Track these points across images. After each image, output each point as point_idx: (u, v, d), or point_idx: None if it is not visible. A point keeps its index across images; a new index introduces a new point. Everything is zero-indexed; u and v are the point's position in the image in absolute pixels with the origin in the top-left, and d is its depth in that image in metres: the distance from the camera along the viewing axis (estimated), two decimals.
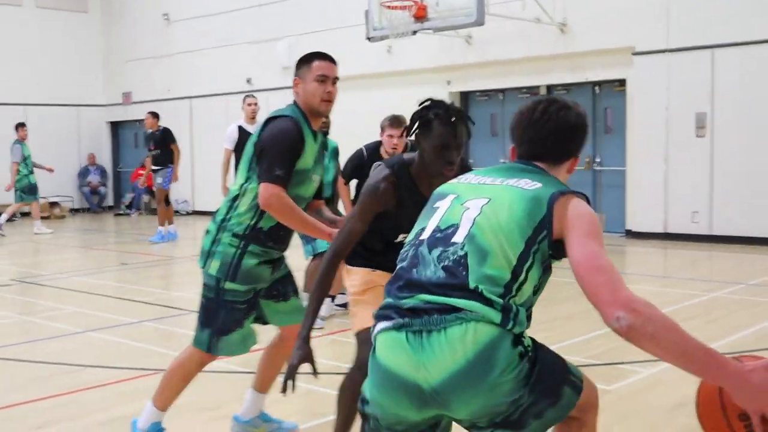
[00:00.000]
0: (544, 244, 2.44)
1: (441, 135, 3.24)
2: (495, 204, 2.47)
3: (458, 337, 2.30)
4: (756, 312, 7.42)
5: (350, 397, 3.49)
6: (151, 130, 13.95)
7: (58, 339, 7.01)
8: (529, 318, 2.46)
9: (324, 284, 3.21)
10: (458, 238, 2.45)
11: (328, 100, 3.91)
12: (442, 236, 2.49)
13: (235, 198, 3.92)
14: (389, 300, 2.48)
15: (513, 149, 2.72)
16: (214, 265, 3.87)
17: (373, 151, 6.93)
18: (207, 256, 3.93)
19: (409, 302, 2.41)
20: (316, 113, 3.93)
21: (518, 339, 2.38)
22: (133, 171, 20.72)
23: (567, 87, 13.81)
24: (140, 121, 20.69)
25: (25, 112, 19.12)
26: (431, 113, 3.24)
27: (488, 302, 2.34)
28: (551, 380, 2.47)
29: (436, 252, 2.46)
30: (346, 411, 3.65)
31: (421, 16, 12.41)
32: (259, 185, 3.78)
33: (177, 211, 19.33)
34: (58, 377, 5.71)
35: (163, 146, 13.72)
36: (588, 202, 2.51)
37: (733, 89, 11.77)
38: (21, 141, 15.21)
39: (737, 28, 11.66)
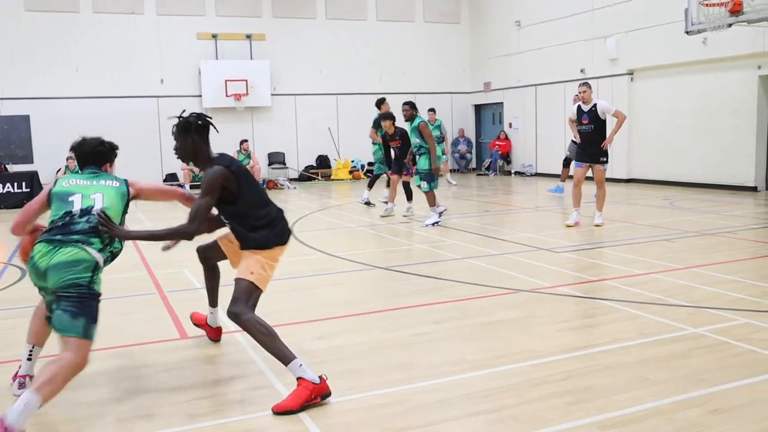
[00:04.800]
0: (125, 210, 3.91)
1: None
2: (107, 195, 3.81)
3: (70, 251, 3.52)
4: None
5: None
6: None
7: (445, 263, 7.50)
8: (111, 260, 3.81)
9: None
10: (96, 212, 3.71)
11: None
12: (86, 210, 3.70)
13: None
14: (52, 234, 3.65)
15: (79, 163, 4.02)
16: None
17: None
18: None
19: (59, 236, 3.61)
20: None
21: (96, 269, 3.59)
22: (491, 141, 21.25)
23: None
24: (497, 104, 21.17)
25: (417, 99, 20.43)
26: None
27: (99, 244, 3.65)
28: (85, 312, 3.45)
29: (84, 218, 3.67)
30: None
31: (736, 10, 11.23)
32: None
33: (522, 173, 19.59)
34: (448, 290, 6.17)
35: None
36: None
37: None
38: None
39: None
